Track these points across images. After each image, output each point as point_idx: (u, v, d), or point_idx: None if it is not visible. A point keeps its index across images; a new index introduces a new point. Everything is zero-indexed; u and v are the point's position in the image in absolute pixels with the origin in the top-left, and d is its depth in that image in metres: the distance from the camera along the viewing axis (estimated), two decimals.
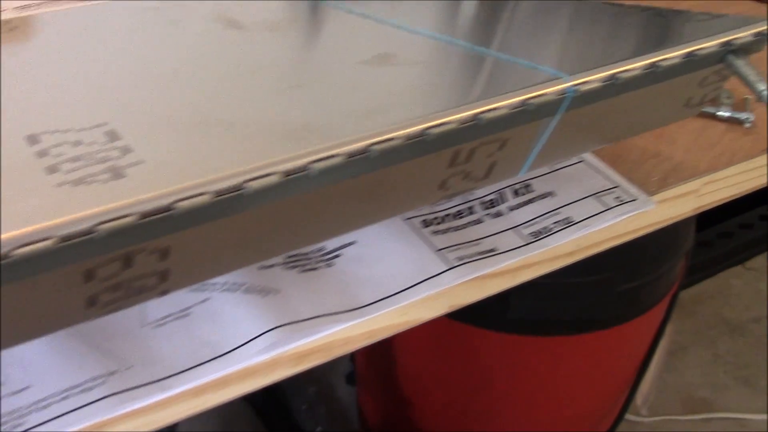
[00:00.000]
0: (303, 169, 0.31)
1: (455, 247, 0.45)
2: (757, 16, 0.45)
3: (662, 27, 0.46)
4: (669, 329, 1.32)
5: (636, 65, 0.39)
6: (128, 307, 0.32)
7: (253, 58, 0.43)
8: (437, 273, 0.43)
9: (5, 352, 0.36)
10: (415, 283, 0.43)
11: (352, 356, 1.11)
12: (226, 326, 0.39)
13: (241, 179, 0.30)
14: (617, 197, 0.50)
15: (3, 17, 0.52)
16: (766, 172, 0.57)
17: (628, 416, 1.29)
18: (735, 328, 1.57)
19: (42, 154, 0.32)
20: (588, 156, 0.53)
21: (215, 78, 0.40)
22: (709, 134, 0.58)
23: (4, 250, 0.26)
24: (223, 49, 0.45)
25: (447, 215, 0.48)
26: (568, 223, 0.48)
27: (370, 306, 0.42)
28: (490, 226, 0.47)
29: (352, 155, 0.32)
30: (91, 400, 0.35)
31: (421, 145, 0.34)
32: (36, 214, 0.27)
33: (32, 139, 0.33)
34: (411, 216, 0.47)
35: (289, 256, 0.43)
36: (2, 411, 0.34)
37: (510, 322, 0.82)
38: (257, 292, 0.41)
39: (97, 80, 0.40)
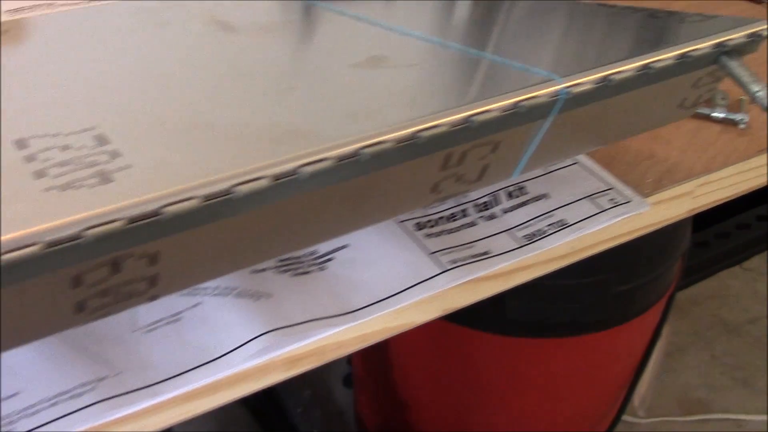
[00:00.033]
0: (292, 173, 0.31)
1: (449, 250, 0.45)
2: (752, 17, 0.44)
3: (655, 28, 0.46)
4: (666, 330, 1.32)
5: (629, 67, 0.39)
6: (118, 313, 0.32)
7: (244, 61, 0.43)
8: (430, 276, 0.43)
9: None
10: (408, 286, 0.43)
11: (349, 358, 1.11)
12: (218, 331, 0.39)
13: (229, 183, 0.29)
14: (612, 199, 0.50)
15: None
16: (761, 173, 0.57)
17: (626, 417, 1.29)
18: (732, 329, 1.57)
19: (30, 158, 0.31)
20: (582, 158, 0.53)
21: (206, 81, 0.40)
22: (704, 135, 0.58)
23: None
24: (215, 52, 0.45)
25: (440, 218, 0.48)
26: (562, 225, 0.47)
27: (363, 310, 0.41)
28: (484, 228, 0.47)
29: (342, 159, 0.32)
30: (80, 407, 0.35)
31: (412, 148, 0.34)
32: (22, 219, 0.27)
33: (20, 144, 0.33)
34: (404, 219, 0.47)
35: (282, 260, 0.43)
36: None
37: (506, 324, 0.82)
38: (249, 296, 0.41)
39: (87, 84, 0.40)
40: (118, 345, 0.38)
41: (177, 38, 0.47)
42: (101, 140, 0.33)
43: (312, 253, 0.44)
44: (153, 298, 0.32)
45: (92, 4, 0.58)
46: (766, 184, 0.57)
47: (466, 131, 0.35)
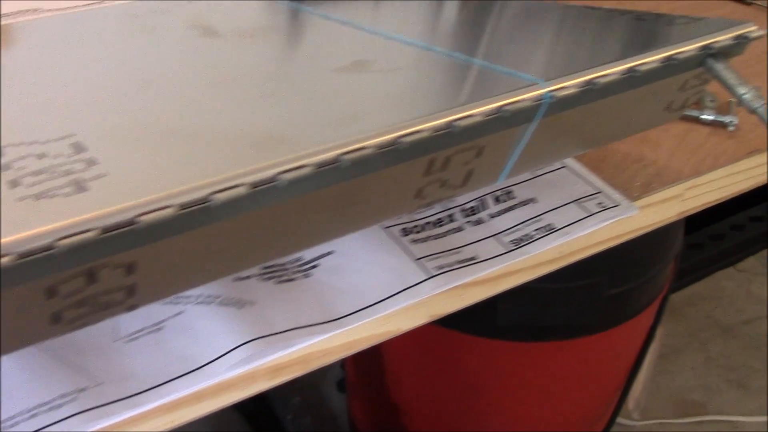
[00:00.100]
0: (271, 180, 0.30)
1: (435, 256, 0.45)
2: (739, 19, 0.44)
3: (642, 31, 0.46)
4: (660, 332, 1.31)
5: (613, 70, 0.39)
6: (95, 323, 0.32)
7: (227, 67, 0.42)
8: (416, 282, 0.43)
9: None
10: (393, 293, 0.42)
11: (343, 363, 1.11)
12: (201, 340, 0.39)
13: (207, 191, 0.29)
14: (599, 203, 0.49)
15: None
16: (751, 175, 0.57)
17: (620, 420, 1.29)
18: (727, 330, 1.56)
19: (5, 167, 0.31)
20: (570, 161, 0.53)
21: (187, 87, 0.39)
22: (692, 138, 0.58)
23: None
24: (197, 58, 0.44)
25: (427, 223, 0.47)
26: (550, 229, 0.47)
27: (348, 317, 0.41)
28: (471, 233, 0.47)
29: (322, 165, 0.31)
30: (60, 418, 0.34)
31: (394, 153, 0.33)
32: None
33: None
34: (390, 225, 0.46)
35: (266, 267, 0.43)
36: None
37: (498, 328, 0.82)
38: (232, 305, 0.40)
39: (66, 90, 0.40)
40: (99, 355, 0.37)
41: (160, 44, 0.47)
42: (78, 148, 0.32)
43: (297, 260, 0.44)
44: (131, 308, 0.32)
45: (78, 9, 0.58)
46: (755, 186, 0.57)
47: (449, 136, 0.34)
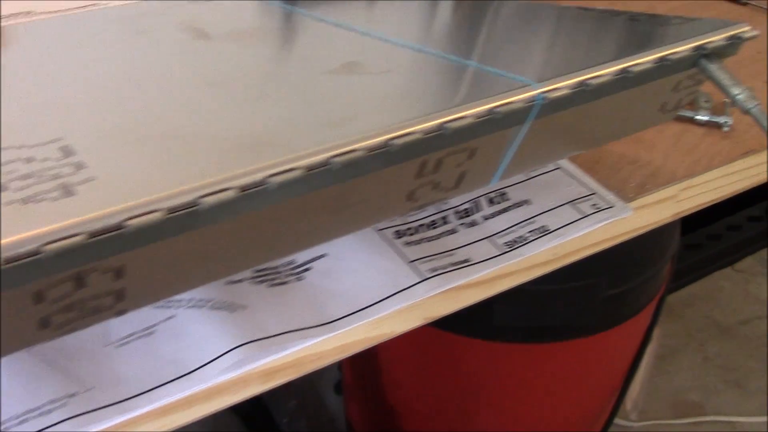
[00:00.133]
0: (260, 183, 0.30)
1: (428, 258, 0.44)
2: (734, 20, 0.44)
3: (636, 31, 0.45)
4: (658, 333, 1.31)
5: (606, 71, 0.38)
6: (85, 328, 0.31)
7: (218, 69, 0.42)
8: (409, 285, 0.43)
9: None
10: (387, 296, 0.42)
11: (340, 365, 1.11)
12: (192, 344, 0.38)
13: (195, 195, 0.29)
14: (594, 204, 0.49)
15: None
16: (746, 176, 0.57)
17: (618, 421, 1.29)
18: (725, 331, 1.56)
19: None
20: (564, 163, 0.52)
21: (178, 90, 0.39)
22: (687, 139, 0.57)
23: None
24: (189, 60, 0.44)
25: (421, 225, 0.47)
26: (544, 231, 0.47)
27: (341, 320, 0.41)
28: (465, 235, 0.47)
29: (312, 168, 0.31)
30: (49, 424, 0.34)
31: (385, 156, 0.33)
32: None
33: None
34: (383, 227, 0.46)
35: (258, 270, 0.43)
36: None
37: (495, 329, 0.82)
38: (224, 308, 0.40)
39: (56, 94, 0.39)
40: (89, 360, 0.37)
41: (152, 46, 0.47)
42: (67, 152, 0.32)
43: (289, 263, 0.43)
44: (121, 312, 0.32)
45: (71, 12, 0.57)
46: (750, 187, 0.57)
47: (441, 138, 0.34)
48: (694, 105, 0.60)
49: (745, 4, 0.78)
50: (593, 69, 0.38)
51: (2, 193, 0.29)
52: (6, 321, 0.28)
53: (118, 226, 0.27)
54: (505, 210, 0.49)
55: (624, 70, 0.39)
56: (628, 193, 0.51)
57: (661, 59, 0.40)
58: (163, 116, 0.36)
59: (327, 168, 0.31)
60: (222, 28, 0.49)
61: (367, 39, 0.46)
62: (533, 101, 0.36)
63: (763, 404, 1.41)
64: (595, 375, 0.92)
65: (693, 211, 0.55)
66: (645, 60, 0.40)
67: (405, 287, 0.42)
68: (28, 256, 0.26)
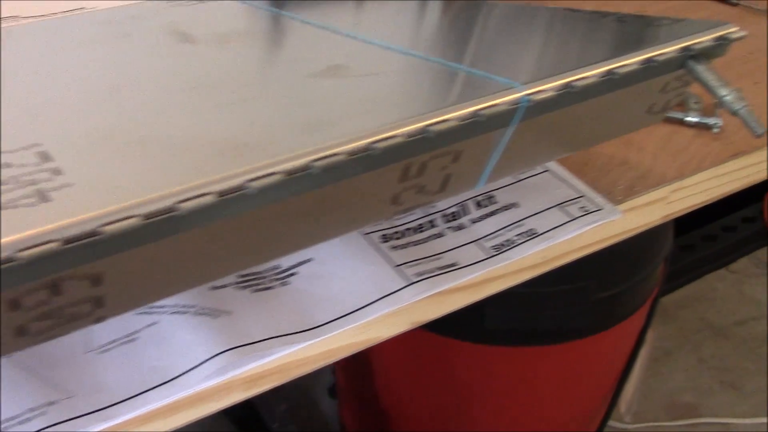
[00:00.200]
0: (240, 188, 0.30)
1: (415, 263, 0.44)
2: (724, 21, 0.43)
3: (622, 33, 0.45)
4: (652, 335, 1.31)
5: (592, 73, 0.38)
6: (63, 335, 0.31)
7: (201, 73, 0.42)
8: (396, 290, 0.42)
9: None
10: (372, 300, 0.42)
11: (333, 369, 1.10)
12: (175, 350, 0.38)
13: (172, 201, 0.28)
14: (582, 207, 0.49)
15: None
16: (736, 177, 0.56)
17: (612, 423, 1.28)
18: (719, 332, 1.56)
19: None
20: (553, 165, 0.52)
21: (159, 94, 0.39)
22: (677, 140, 0.57)
23: None
24: (172, 64, 0.43)
25: (407, 229, 0.47)
26: (532, 234, 0.47)
27: (326, 325, 0.40)
28: (452, 239, 0.46)
29: (292, 172, 0.31)
30: None
31: (367, 160, 0.33)
32: None
33: None
34: (370, 231, 0.46)
35: (242, 276, 0.42)
36: None
37: (486, 333, 0.81)
38: (207, 314, 0.39)
39: (36, 99, 0.39)
40: (70, 367, 0.37)
41: (135, 51, 0.46)
42: (44, 157, 0.32)
43: (274, 268, 0.43)
44: (100, 319, 0.31)
45: (57, 16, 0.57)
46: (740, 188, 0.56)
47: (424, 142, 0.34)
48: (683, 106, 0.59)
49: (735, 4, 0.78)
50: (579, 71, 0.38)
51: None
52: None
53: (94, 233, 0.27)
54: (492, 213, 0.48)
55: (610, 72, 0.38)
56: (617, 196, 0.51)
57: (648, 60, 0.40)
58: (143, 121, 0.36)
59: (308, 172, 0.31)
60: (207, 31, 0.49)
61: (352, 42, 0.45)
62: (518, 103, 0.36)
63: (758, 405, 1.40)
64: (587, 378, 0.92)
65: (683, 213, 0.55)
66: (631, 61, 0.39)
67: (391, 292, 0.42)
68: (2, 263, 0.26)
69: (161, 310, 0.40)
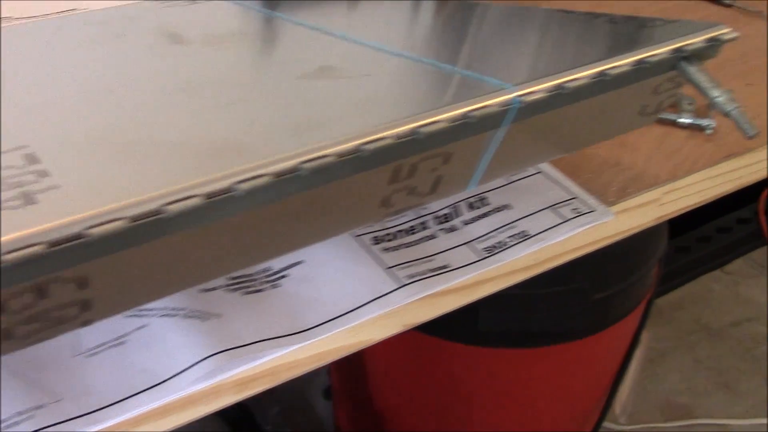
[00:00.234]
0: (228, 190, 0.29)
1: (406, 265, 0.44)
2: (716, 21, 0.43)
3: (614, 34, 0.45)
4: (648, 336, 1.31)
5: (583, 74, 0.38)
6: (50, 339, 0.31)
7: (192, 75, 0.42)
8: (387, 292, 0.42)
9: None
10: (364, 302, 0.41)
11: (329, 370, 1.10)
12: (164, 353, 0.38)
13: (159, 203, 0.28)
14: (575, 209, 0.48)
15: None
16: (729, 179, 0.56)
17: (607, 425, 1.28)
18: (715, 333, 1.56)
19: None
20: (546, 167, 0.52)
21: (148, 96, 0.39)
22: (670, 142, 0.57)
23: None
24: (163, 66, 0.43)
25: (399, 231, 0.46)
26: (524, 236, 0.46)
27: (317, 328, 0.40)
28: (444, 241, 0.46)
29: (280, 174, 0.30)
30: None
31: (356, 161, 0.32)
32: None
33: None
34: (361, 233, 0.46)
35: (233, 278, 0.42)
36: None
37: (480, 334, 0.81)
38: (197, 317, 0.39)
39: (26, 100, 0.39)
40: (58, 370, 0.36)
41: (127, 52, 0.46)
42: (31, 159, 0.31)
43: (265, 271, 0.43)
44: (87, 323, 0.31)
45: (50, 17, 0.57)
46: (733, 190, 0.56)
47: (414, 143, 0.34)
48: (677, 108, 0.59)
49: (729, 5, 0.78)
50: (570, 72, 0.38)
51: None
52: None
53: (79, 236, 0.27)
54: (485, 215, 0.48)
55: (601, 73, 0.38)
56: (609, 197, 0.51)
57: (639, 62, 0.39)
58: (132, 122, 0.35)
59: (296, 174, 0.31)
60: (198, 32, 0.48)
61: (344, 43, 0.45)
62: (509, 105, 0.36)
63: (754, 406, 1.41)
64: (582, 379, 0.92)
65: (676, 214, 0.54)
66: (623, 63, 0.39)
67: (382, 294, 0.42)
68: None
69: (150, 312, 0.39)
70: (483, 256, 0.45)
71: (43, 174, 0.30)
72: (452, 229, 0.47)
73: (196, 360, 0.37)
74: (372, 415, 0.99)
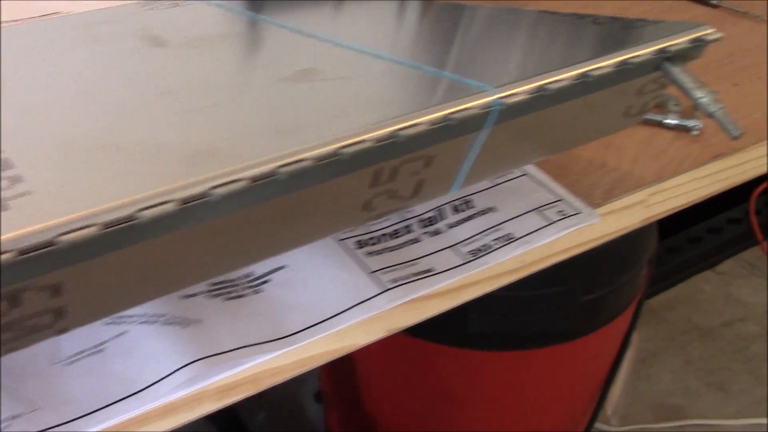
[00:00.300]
0: (203, 195, 0.29)
1: (390, 269, 0.43)
2: (702, 22, 0.43)
3: (598, 35, 0.45)
4: (639, 337, 1.31)
5: (565, 76, 0.37)
6: (25, 347, 0.30)
7: (171, 78, 0.41)
8: (370, 297, 0.42)
9: None
10: (347, 307, 0.41)
11: (319, 374, 1.10)
12: (143, 361, 0.37)
13: (133, 209, 0.28)
14: (560, 211, 0.48)
15: None
16: (716, 180, 0.56)
17: (599, 426, 1.28)
18: (706, 333, 1.56)
19: None
20: (531, 169, 0.52)
21: (126, 100, 0.38)
22: (656, 143, 0.57)
23: None
24: (142, 69, 0.43)
25: (383, 235, 0.46)
26: (509, 239, 0.46)
27: (299, 334, 0.40)
28: (428, 244, 0.46)
29: (257, 179, 0.30)
30: None
31: (335, 165, 0.32)
32: None
33: None
34: (345, 237, 0.45)
35: (214, 284, 0.41)
36: None
37: (470, 337, 0.81)
38: (177, 324, 0.39)
39: (1, 104, 0.38)
40: (36, 379, 0.36)
41: (106, 56, 0.46)
42: (5, 165, 0.31)
43: (247, 276, 0.42)
44: (62, 331, 0.31)
45: (32, 21, 0.56)
46: (720, 191, 0.56)
47: (393, 147, 0.33)
48: (663, 109, 0.59)
49: (716, 6, 0.78)
50: (552, 73, 0.37)
51: None
52: None
53: (50, 243, 0.26)
54: (469, 218, 0.48)
55: (584, 75, 0.38)
56: (595, 199, 0.50)
57: (622, 63, 0.39)
58: (109, 127, 0.35)
59: (273, 178, 0.30)
60: (180, 35, 0.48)
61: (326, 45, 0.45)
62: (490, 107, 0.35)
63: (746, 406, 1.40)
64: (573, 381, 0.92)
65: (663, 216, 0.54)
66: (605, 64, 0.39)
67: (365, 299, 0.42)
68: None
69: (130, 319, 0.39)
70: (468, 260, 0.45)
71: (17, 180, 0.30)
72: (437, 233, 0.47)
73: (177, 367, 0.37)
74: (363, 419, 0.98)
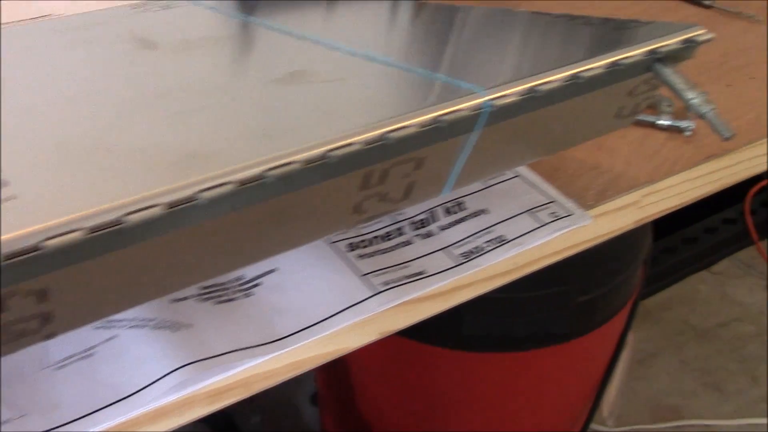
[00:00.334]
0: (190, 199, 0.29)
1: (381, 272, 0.43)
2: (694, 23, 0.43)
3: (589, 36, 0.45)
4: (635, 337, 1.31)
5: (556, 77, 0.37)
6: (12, 353, 0.30)
7: (159, 81, 0.41)
8: (362, 299, 0.41)
9: None
10: (338, 311, 0.41)
11: (315, 377, 1.10)
12: (133, 366, 0.37)
13: (119, 213, 0.27)
14: (552, 213, 0.48)
15: None
16: (709, 180, 0.56)
17: (595, 427, 1.28)
18: (702, 334, 1.56)
19: None
20: (523, 170, 0.51)
21: (116, 103, 0.38)
22: (649, 144, 0.57)
23: None
24: (132, 72, 0.43)
25: (375, 237, 0.46)
26: (501, 241, 0.46)
27: (290, 337, 0.40)
28: (420, 247, 0.45)
29: (245, 182, 0.30)
30: None
31: (324, 168, 0.32)
32: None
33: None
34: (336, 239, 0.45)
35: (205, 287, 0.41)
36: None
37: (465, 339, 0.81)
38: (167, 328, 0.39)
39: None
40: (24, 384, 0.36)
41: (96, 58, 0.45)
42: None
43: (237, 279, 0.42)
44: (50, 336, 0.30)
45: (23, 23, 0.56)
46: (713, 192, 0.56)
47: (383, 149, 0.33)
48: (655, 110, 0.59)
49: (709, 7, 0.78)
50: (543, 75, 0.37)
51: None
52: None
53: (35, 248, 0.26)
54: (461, 220, 0.47)
55: (574, 76, 0.38)
56: (588, 201, 0.50)
57: (613, 64, 0.39)
58: (96, 131, 0.35)
59: (262, 182, 0.30)
60: (171, 37, 0.48)
61: (316, 47, 0.45)
62: (480, 109, 0.35)
63: (741, 407, 1.40)
64: (568, 382, 0.91)
65: (656, 217, 0.54)
66: (596, 65, 0.39)
67: (357, 302, 0.41)
68: None
69: (120, 324, 0.39)
70: (460, 262, 0.44)
71: (2, 184, 0.29)
72: (429, 235, 0.46)
73: (166, 371, 0.36)
74: (358, 420, 0.98)
